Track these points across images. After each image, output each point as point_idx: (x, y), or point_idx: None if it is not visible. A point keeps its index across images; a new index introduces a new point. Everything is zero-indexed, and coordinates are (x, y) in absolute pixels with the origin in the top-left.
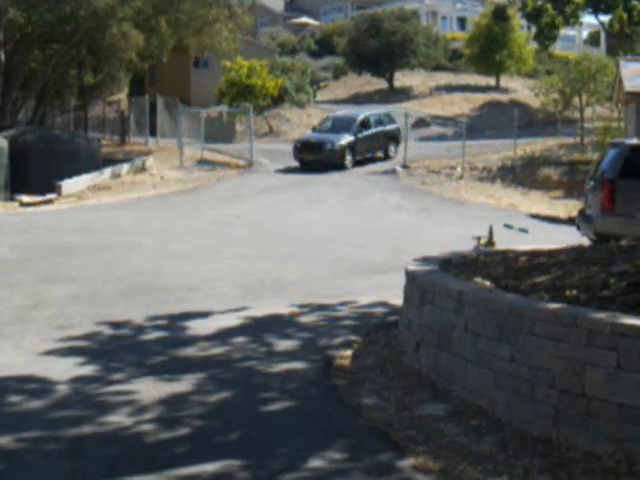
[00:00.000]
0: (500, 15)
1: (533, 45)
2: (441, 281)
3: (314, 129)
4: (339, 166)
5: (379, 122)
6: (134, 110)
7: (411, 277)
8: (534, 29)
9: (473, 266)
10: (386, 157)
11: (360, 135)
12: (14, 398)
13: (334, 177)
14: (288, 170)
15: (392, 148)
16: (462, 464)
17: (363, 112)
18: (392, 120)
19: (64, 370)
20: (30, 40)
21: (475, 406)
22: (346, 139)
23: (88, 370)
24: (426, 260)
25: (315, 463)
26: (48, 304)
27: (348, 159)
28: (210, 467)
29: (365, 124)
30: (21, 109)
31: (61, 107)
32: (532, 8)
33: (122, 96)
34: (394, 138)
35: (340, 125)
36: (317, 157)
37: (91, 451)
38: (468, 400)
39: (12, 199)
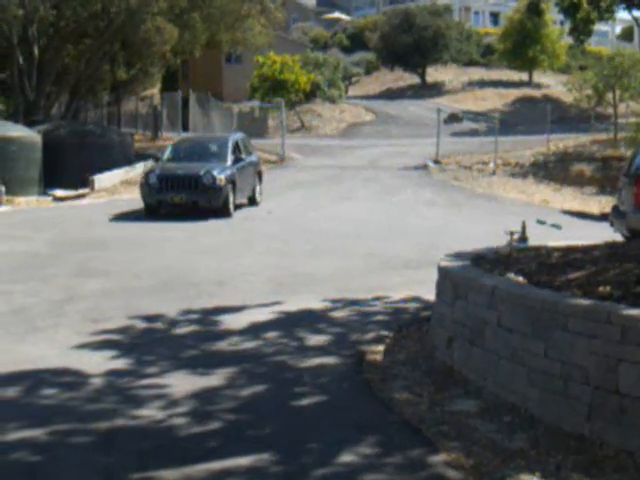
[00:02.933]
0: (534, 10)
1: (566, 40)
2: (474, 277)
3: (157, 160)
4: (221, 212)
5: (246, 150)
6: (167, 105)
7: (444, 272)
8: (567, 24)
9: (506, 262)
10: (252, 202)
11: (238, 166)
12: (48, 391)
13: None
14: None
15: (258, 188)
16: (494, 460)
17: (232, 134)
18: (252, 148)
19: (97, 363)
20: (63, 35)
21: (508, 402)
22: (225, 171)
23: (121, 363)
24: (459, 255)
25: (347, 458)
26: (82, 298)
27: (231, 201)
28: (242, 461)
29: (238, 151)
30: (54, 104)
31: (94, 102)
32: (569, 3)
33: (155, 91)
34: (259, 174)
35: (205, 152)
36: (191, 197)
37: (123, 444)
38: (500, 396)
39: (46, 193)
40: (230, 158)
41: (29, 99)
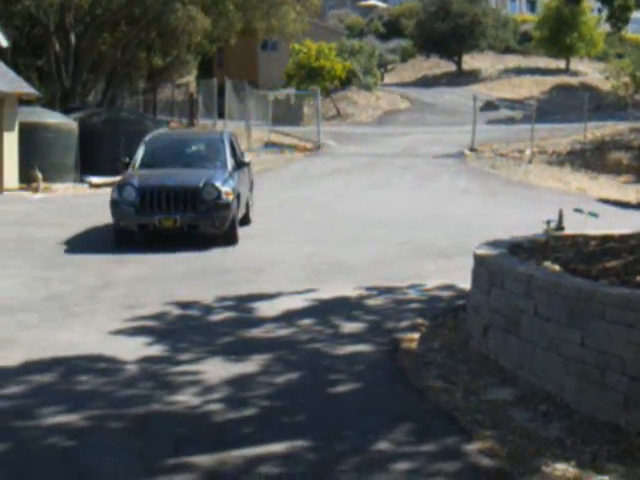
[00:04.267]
0: None
1: (604, 28)
2: (510, 265)
3: (126, 165)
4: (226, 238)
5: (239, 151)
6: (202, 92)
7: (480, 260)
8: (605, 11)
9: (542, 250)
10: (244, 220)
11: (239, 173)
12: (83, 377)
13: None
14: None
15: (251, 201)
16: (529, 449)
17: (225, 131)
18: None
19: (133, 349)
20: (99, 23)
21: (543, 391)
22: (229, 181)
23: (156, 350)
24: (495, 244)
25: (381, 446)
26: (117, 284)
27: (237, 222)
28: (277, 447)
29: (235, 153)
30: (91, 91)
31: (130, 89)
32: None
33: (191, 79)
34: (251, 183)
35: (194, 154)
36: (188, 219)
37: (158, 430)
38: (536, 385)
39: (82, 180)
40: (230, 162)
41: (66, 86)
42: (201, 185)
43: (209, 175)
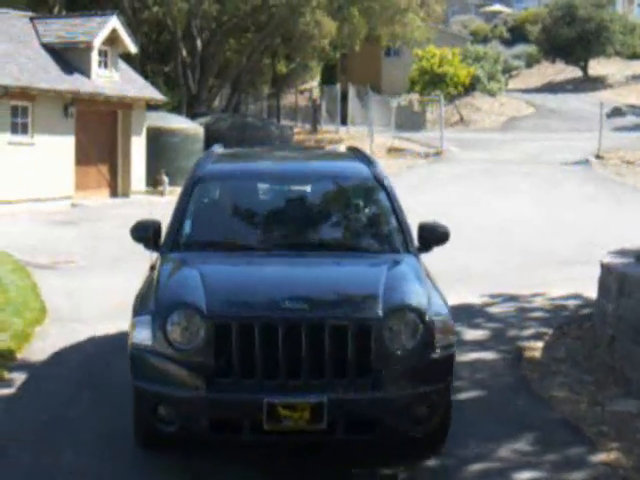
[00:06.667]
0: None
1: None
2: (639, 274)
3: (154, 240)
4: (428, 446)
5: None
6: (325, 98)
7: (607, 269)
8: None
9: None
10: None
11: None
12: None
13: None
14: None
15: None
16: None
17: (365, 152)
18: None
19: None
20: (225, 29)
21: None
22: (435, 294)
23: None
24: (622, 252)
25: (504, 454)
26: None
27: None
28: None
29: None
30: (216, 97)
31: (255, 95)
32: None
33: (314, 84)
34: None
35: (315, 217)
36: (350, 407)
37: None
38: None
39: None
40: (411, 238)
41: (192, 92)
42: (380, 312)
43: (388, 279)
